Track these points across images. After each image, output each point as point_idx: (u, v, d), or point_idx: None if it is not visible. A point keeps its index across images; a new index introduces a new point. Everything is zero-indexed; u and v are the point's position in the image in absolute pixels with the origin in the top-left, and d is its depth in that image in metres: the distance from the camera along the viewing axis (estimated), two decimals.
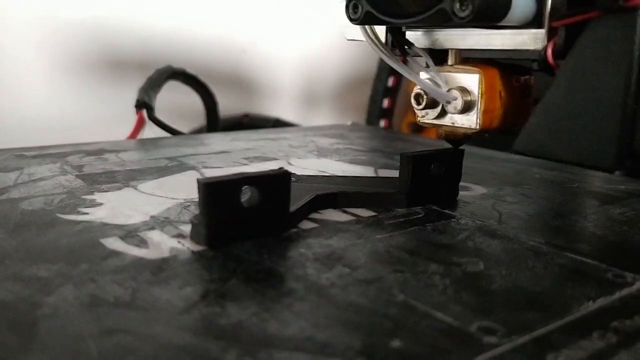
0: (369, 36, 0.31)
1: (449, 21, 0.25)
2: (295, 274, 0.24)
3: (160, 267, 0.24)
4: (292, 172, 0.30)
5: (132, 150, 0.48)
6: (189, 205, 0.32)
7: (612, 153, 0.25)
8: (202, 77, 0.66)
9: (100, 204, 0.32)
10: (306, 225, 0.30)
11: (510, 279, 0.24)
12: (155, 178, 0.39)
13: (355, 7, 0.29)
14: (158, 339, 0.18)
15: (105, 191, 0.35)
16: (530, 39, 0.28)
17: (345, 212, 0.32)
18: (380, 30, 0.32)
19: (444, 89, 0.31)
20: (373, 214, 0.32)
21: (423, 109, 0.32)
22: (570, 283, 0.24)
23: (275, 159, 0.46)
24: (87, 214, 0.30)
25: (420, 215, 0.32)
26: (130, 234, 0.28)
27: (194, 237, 0.27)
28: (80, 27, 0.73)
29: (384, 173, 0.42)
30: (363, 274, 0.24)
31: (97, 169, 0.40)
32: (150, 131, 0.57)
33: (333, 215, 0.31)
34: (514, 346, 0.19)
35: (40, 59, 0.71)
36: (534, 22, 0.27)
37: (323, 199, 0.32)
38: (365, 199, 0.33)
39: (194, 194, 0.26)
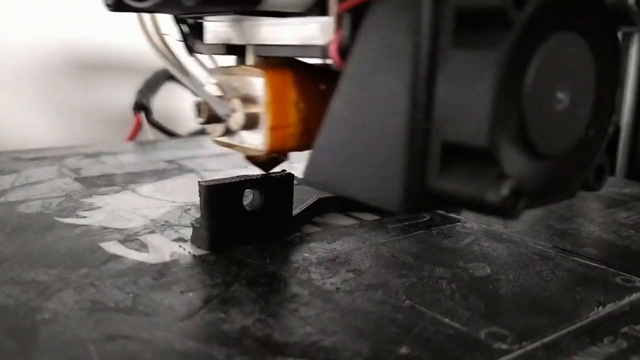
0: (142, 26, 0.23)
1: (177, 6, 0.20)
2: (299, 278, 0.23)
3: (161, 272, 0.23)
4: (295, 174, 0.30)
5: (131, 153, 0.48)
6: (189, 209, 0.32)
7: (398, 190, 0.18)
8: None
9: (99, 207, 0.32)
10: (309, 229, 0.29)
11: (517, 283, 0.23)
12: (155, 181, 0.38)
13: None
14: (160, 345, 0.18)
15: (104, 194, 0.34)
16: (318, 31, 0.21)
17: (348, 215, 0.32)
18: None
19: (228, 98, 0.24)
20: (377, 217, 0.31)
21: (206, 122, 0.24)
22: (579, 288, 0.23)
23: None
24: (85, 217, 0.30)
25: (424, 219, 0.31)
26: (129, 237, 0.27)
27: (195, 240, 0.26)
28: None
29: None
30: (368, 278, 0.23)
31: (95, 172, 0.40)
32: (149, 133, 0.57)
33: (336, 218, 0.31)
34: (525, 352, 0.18)
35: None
36: (317, 7, 0.21)
37: (326, 202, 0.32)
38: None
39: (194, 197, 0.25)
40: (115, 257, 0.25)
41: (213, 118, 0.24)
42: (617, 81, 0.20)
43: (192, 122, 0.74)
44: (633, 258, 0.27)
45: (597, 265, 0.26)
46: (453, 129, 0.17)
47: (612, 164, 0.48)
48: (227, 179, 0.26)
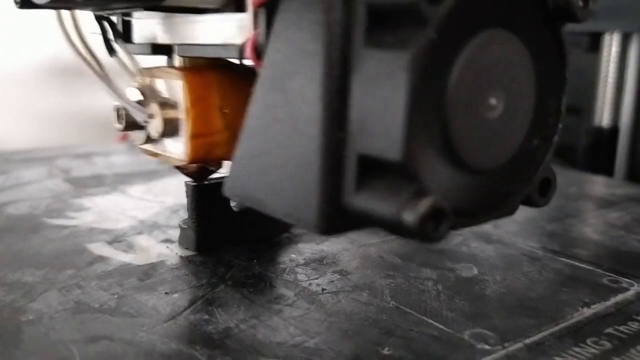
0: (60, 24, 0.21)
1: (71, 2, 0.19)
2: (285, 279, 0.23)
3: (147, 273, 0.23)
4: None
5: (122, 153, 0.48)
6: (178, 210, 0.32)
7: (314, 208, 0.16)
8: None
9: (88, 208, 0.32)
10: (298, 230, 0.29)
11: (504, 284, 0.23)
12: (145, 182, 0.38)
13: None
14: (143, 346, 0.18)
15: (94, 195, 0.34)
16: (236, 29, 0.20)
17: None
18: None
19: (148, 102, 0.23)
20: None
21: (126, 129, 0.23)
22: (565, 289, 0.23)
23: None
24: (74, 218, 0.30)
25: None
26: (117, 238, 0.27)
27: (182, 241, 0.26)
28: None
29: None
30: (354, 279, 0.23)
31: (85, 173, 0.40)
32: None
33: None
34: (507, 353, 0.18)
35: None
36: (233, 2, 0.20)
37: None
38: None
39: (184, 198, 0.25)
40: (102, 259, 0.25)
41: (133, 124, 0.23)
42: (563, 83, 0.18)
43: None
44: (621, 259, 0.27)
45: (585, 266, 0.26)
46: (367, 140, 0.15)
47: (610, 165, 0.48)
48: (215, 178, 0.26)
